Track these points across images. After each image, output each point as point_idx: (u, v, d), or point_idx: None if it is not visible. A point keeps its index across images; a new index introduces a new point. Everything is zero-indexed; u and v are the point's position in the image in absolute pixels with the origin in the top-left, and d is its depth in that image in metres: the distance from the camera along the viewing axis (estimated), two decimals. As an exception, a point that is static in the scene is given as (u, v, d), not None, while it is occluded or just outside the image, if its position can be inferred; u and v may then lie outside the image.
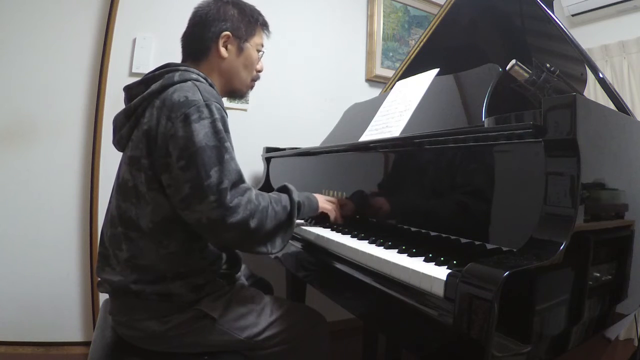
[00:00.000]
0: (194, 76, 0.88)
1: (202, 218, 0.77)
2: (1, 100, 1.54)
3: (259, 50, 1.03)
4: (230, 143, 0.84)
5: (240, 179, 0.82)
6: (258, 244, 0.84)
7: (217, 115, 0.81)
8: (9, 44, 1.55)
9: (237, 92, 1.04)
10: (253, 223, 0.80)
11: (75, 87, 1.62)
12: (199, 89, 0.83)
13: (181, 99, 0.81)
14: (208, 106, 0.81)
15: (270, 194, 0.90)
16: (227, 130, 0.84)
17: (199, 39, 0.96)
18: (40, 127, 1.58)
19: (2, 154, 1.54)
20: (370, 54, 2.28)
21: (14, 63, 1.55)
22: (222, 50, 0.96)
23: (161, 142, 0.81)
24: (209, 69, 0.97)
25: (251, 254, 0.88)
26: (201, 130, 0.78)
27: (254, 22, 1.01)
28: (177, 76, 0.86)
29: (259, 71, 1.06)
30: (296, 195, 0.93)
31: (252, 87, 1.06)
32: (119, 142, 0.94)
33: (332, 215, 1.07)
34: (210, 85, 0.91)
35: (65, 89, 1.61)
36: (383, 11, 2.30)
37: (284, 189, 0.96)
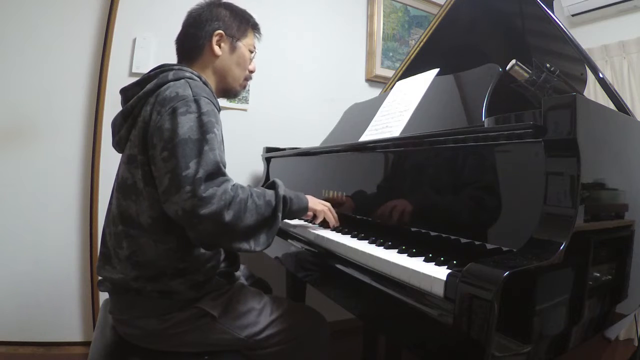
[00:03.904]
0: (188, 74, 0.89)
1: (178, 210, 0.75)
2: (1, 100, 1.54)
3: (251, 51, 1.06)
4: (220, 135, 0.84)
5: (218, 170, 0.78)
6: (238, 239, 0.80)
7: (204, 110, 0.82)
8: (9, 43, 1.55)
9: (231, 91, 1.06)
10: (228, 215, 0.76)
11: (75, 87, 1.62)
12: (190, 86, 0.84)
13: (172, 94, 0.82)
14: (197, 101, 0.82)
15: (254, 188, 0.87)
16: (217, 122, 0.84)
17: (193, 39, 0.98)
18: (41, 127, 1.58)
19: (2, 154, 1.54)
20: (370, 54, 2.28)
21: (14, 63, 1.55)
22: (216, 48, 0.98)
23: (151, 135, 0.82)
24: (203, 67, 0.99)
25: (232, 251, 0.85)
26: (186, 124, 0.79)
27: (246, 23, 1.03)
28: (171, 75, 0.88)
29: (252, 72, 1.08)
30: (282, 190, 0.90)
31: (244, 86, 1.08)
32: (118, 144, 0.94)
33: (321, 216, 1.02)
34: (204, 83, 0.92)
35: (65, 89, 1.61)
36: (383, 11, 2.30)
37: (271, 185, 0.94)
